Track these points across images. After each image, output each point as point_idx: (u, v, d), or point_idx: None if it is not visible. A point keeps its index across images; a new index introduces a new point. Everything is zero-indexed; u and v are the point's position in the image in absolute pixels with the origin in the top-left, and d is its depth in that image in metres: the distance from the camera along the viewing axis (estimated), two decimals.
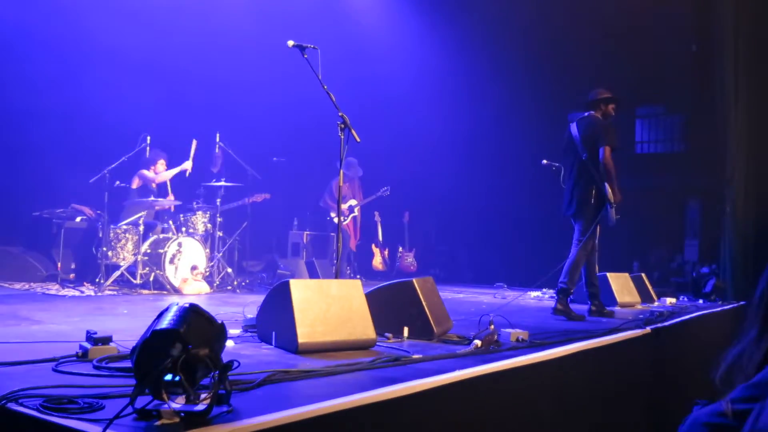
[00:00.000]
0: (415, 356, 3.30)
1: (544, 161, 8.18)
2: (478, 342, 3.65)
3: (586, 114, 6.28)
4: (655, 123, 13.93)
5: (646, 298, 7.61)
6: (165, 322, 2.00)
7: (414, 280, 4.09)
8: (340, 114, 4.36)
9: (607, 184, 5.89)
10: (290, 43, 4.55)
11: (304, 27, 8.59)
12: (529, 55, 11.50)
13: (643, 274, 8.08)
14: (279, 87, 9.48)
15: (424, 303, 4.00)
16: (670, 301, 7.79)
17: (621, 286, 7.26)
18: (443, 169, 11.88)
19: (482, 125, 11.88)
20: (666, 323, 5.34)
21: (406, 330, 3.98)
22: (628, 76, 11.39)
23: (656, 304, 7.58)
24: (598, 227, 6.16)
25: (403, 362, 3.16)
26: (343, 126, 4.37)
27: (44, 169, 8.01)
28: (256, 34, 9.07)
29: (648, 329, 4.93)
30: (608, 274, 7.16)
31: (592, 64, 11.26)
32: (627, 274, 7.63)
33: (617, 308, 6.79)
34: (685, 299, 8.31)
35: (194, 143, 8.03)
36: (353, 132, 4.33)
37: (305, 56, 4.49)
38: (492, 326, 3.92)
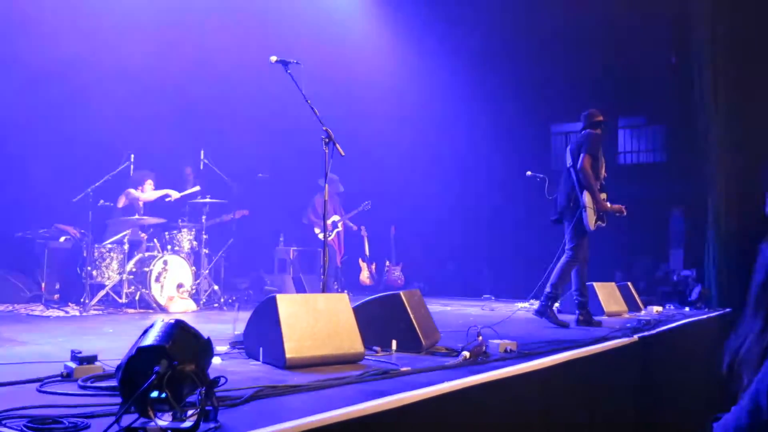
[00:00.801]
0: (404, 369, 3.29)
1: (529, 172, 8.22)
2: (466, 353, 3.65)
3: (583, 132, 6.49)
4: (637, 133, 14.06)
5: (632, 307, 7.65)
6: (150, 339, 1.98)
7: (401, 293, 4.09)
8: (324, 128, 4.37)
9: (585, 191, 6.06)
10: (273, 58, 4.56)
11: (286, 42, 8.63)
12: (512, 68, 11.61)
13: (629, 283, 8.13)
14: (263, 102, 9.48)
15: (411, 316, 4.00)
16: (656, 309, 7.84)
17: (608, 295, 7.30)
18: (429, 182, 11.92)
19: (467, 138, 11.96)
20: (653, 331, 5.37)
21: (394, 343, 3.97)
22: (610, 87, 11.52)
23: (643, 312, 7.62)
24: (586, 238, 6.24)
25: (391, 375, 3.15)
26: (327, 140, 4.38)
27: (27, 189, 7.94)
28: (239, 50, 9.09)
29: (635, 338, 4.96)
30: (595, 284, 7.20)
31: (574, 76, 11.39)
32: (613, 284, 7.68)
33: (604, 317, 6.81)
34: (672, 307, 8.37)
35: (196, 188, 8.09)
36: (338, 146, 4.34)
37: (288, 71, 4.51)
38: (480, 337, 3.92)
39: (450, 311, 7.77)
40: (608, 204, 6.27)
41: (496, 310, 7.89)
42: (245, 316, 3.88)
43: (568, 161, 6.38)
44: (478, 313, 7.55)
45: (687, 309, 8.21)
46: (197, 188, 8.15)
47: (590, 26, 10.47)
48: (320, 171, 4.43)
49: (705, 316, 7.33)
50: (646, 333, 5.19)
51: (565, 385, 3.89)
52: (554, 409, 3.73)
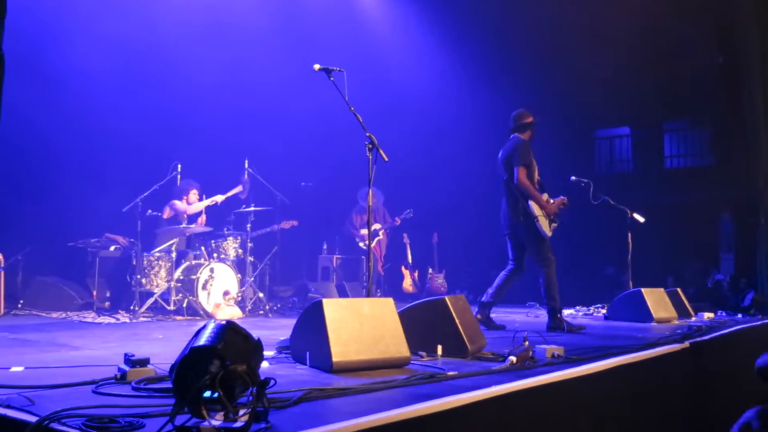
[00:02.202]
0: (450, 373, 3.28)
1: (573, 177, 8.14)
2: (513, 358, 3.61)
3: (511, 137, 6.46)
4: (683, 137, 13.79)
5: (682, 313, 7.48)
6: (203, 339, 2.02)
7: (446, 298, 4.08)
8: (367, 134, 4.39)
9: (531, 202, 6.11)
10: (316, 66, 4.61)
11: (328, 50, 8.76)
12: (556, 71, 11.48)
13: (678, 289, 7.95)
14: (306, 111, 9.60)
15: (457, 320, 3.98)
16: (707, 315, 7.64)
17: (656, 301, 7.16)
18: (471, 188, 11.86)
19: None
20: (705, 337, 5.23)
21: (439, 348, 3.96)
22: (654, 90, 11.32)
23: (693, 319, 7.44)
24: (546, 244, 6.25)
25: (438, 379, 3.14)
26: (371, 146, 4.40)
27: (78, 200, 8.19)
28: (282, 59, 9.23)
29: (687, 344, 4.84)
30: (643, 290, 7.07)
31: (619, 79, 11.22)
32: (662, 290, 7.52)
33: (653, 324, 6.68)
34: (723, 314, 8.14)
35: (238, 189, 8.19)
36: (381, 152, 4.35)
37: (331, 79, 4.55)
38: (527, 343, 3.89)
39: (494, 318, 7.69)
40: (553, 204, 6.24)
41: (541, 317, 7.79)
42: (289, 322, 3.92)
43: (501, 172, 6.37)
44: (523, 319, 7.48)
45: (740, 315, 7.99)
46: (239, 188, 8.24)
47: (634, 27, 10.31)
48: (363, 178, 4.45)
49: (759, 323, 7.12)
50: (697, 339, 5.06)
51: (615, 391, 3.82)
52: (605, 416, 3.66)
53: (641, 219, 8.03)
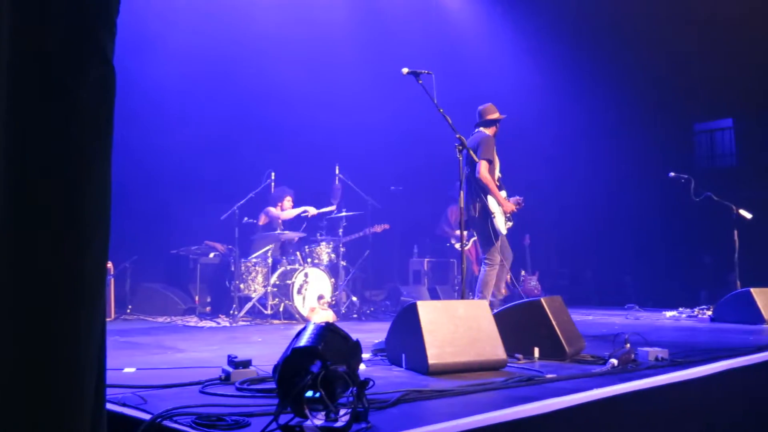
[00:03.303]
0: (549, 376, 3.22)
1: (672, 174, 7.83)
2: (614, 361, 3.50)
3: (475, 131, 6.27)
4: None
5: None
6: (304, 340, 2.06)
7: (542, 300, 4.00)
8: (457, 136, 4.38)
9: (489, 198, 5.98)
10: (404, 70, 4.63)
11: (418, 52, 8.80)
12: (649, 62, 11.04)
13: None
14: (395, 115, 9.66)
15: (553, 322, 3.90)
16: None
17: (767, 302, 6.75)
18: (563, 188, 11.60)
19: (601, 140, 11.52)
20: None
21: (536, 350, 3.89)
22: (761, 78, 10.69)
23: None
24: (500, 240, 6.09)
25: (536, 382, 3.09)
26: (460, 147, 4.38)
27: (179, 210, 8.57)
28: (369, 64, 9.35)
29: None
30: (752, 290, 6.69)
31: (719, 71, 10.67)
32: None
33: (765, 326, 6.30)
34: None
35: (332, 208, 8.36)
36: (471, 153, 4.33)
37: (420, 82, 4.56)
38: (628, 345, 3.76)
39: (592, 320, 7.50)
40: (510, 202, 6.11)
41: (642, 319, 7.52)
42: (383, 326, 3.95)
43: (464, 168, 6.09)
44: (623, 322, 7.23)
45: None
46: (332, 208, 8.41)
47: (737, 15, 9.77)
48: (452, 181, 4.45)
49: None
50: None
51: (726, 397, 3.63)
52: (715, 422, 3.48)
53: (748, 215, 7.61)
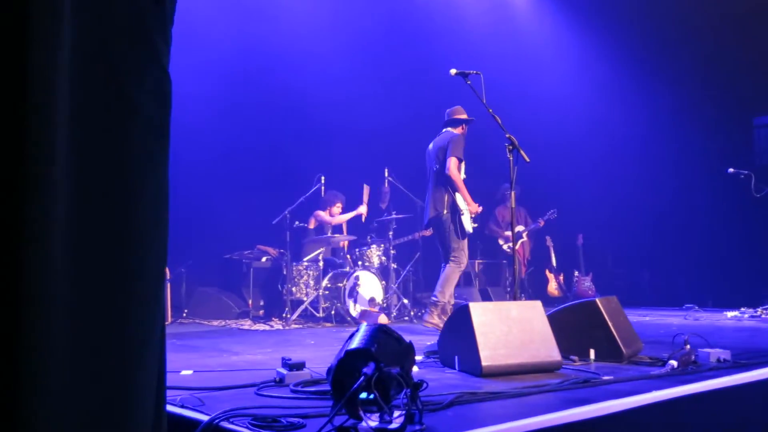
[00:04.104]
0: (606, 378, 3.15)
1: (731, 170, 7.60)
2: (674, 362, 3.41)
3: (443, 131, 6.28)
4: None
5: None
6: (356, 342, 2.07)
7: (597, 300, 3.93)
8: (507, 135, 4.34)
9: (458, 196, 5.94)
10: (453, 71, 4.63)
11: (466, 51, 8.75)
12: (707, 58, 10.72)
13: None
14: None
15: (609, 323, 3.82)
16: None
17: None
18: (617, 186, 11.35)
19: (657, 136, 11.24)
20: None
21: (592, 352, 3.81)
22: None
23: None
24: (465, 241, 6.04)
25: (593, 384, 3.03)
26: (511, 147, 4.34)
27: (231, 215, 8.71)
28: (418, 65, 9.35)
29: None
30: None
31: None
32: None
33: None
34: None
35: (366, 189, 8.37)
36: (522, 152, 4.28)
37: (468, 82, 4.54)
38: (688, 346, 3.65)
39: (649, 321, 7.32)
40: (477, 205, 6.05)
41: (702, 320, 7.31)
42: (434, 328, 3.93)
43: (433, 162, 6.18)
44: (681, 323, 7.04)
45: None
46: (359, 210, 8.42)
47: None
48: (501, 181, 4.41)
49: None
50: None
51: None
52: None
53: None
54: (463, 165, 6.12)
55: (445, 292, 6.02)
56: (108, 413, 1.41)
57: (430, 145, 6.40)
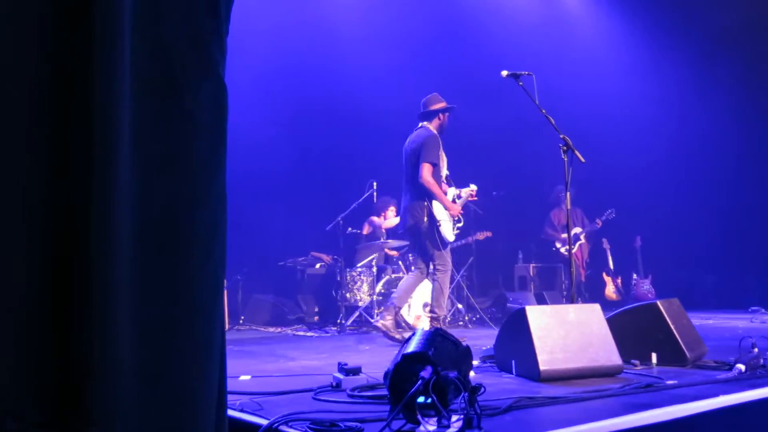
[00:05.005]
0: (669, 382, 3.07)
1: None
2: (741, 366, 3.29)
3: (419, 126, 5.75)
4: None
5: None
6: (413, 346, 2.07)
7: (658, 302, 3.82)
8: (561, 136, 4.28)
9: (434, 203, 5.50)
10: (504, 73, 4.58)
11: (518, 53, 8.67)
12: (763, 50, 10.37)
13: None
14: (493, 119, 9.56)
15: (671, 326, 3.72)
16: None
17: None
18: (676, 185, 11.05)
19: (715, 134, 10.91)
20: None
21: (654, 356, 3.72)
22: None
23: None
24: (447, 249, 5.66)
25: (656, 388, 2.95)
26: (565, 148, 4.28)
27: (286, 222, 8.83)
28: (464, 67, 9.31)
29: None
30: None
31: None
32: None
33: None
34: None
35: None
36: (577, 153, 4.21)
37: (520, 84, 4.50)
38: (756, 349, 3.52)
39: (712, 324, 7.10)
40: (458, 203, 5.67)
41: None
42: (490, 333, 3.90)
43: (407, 166, 5.69)
44: (747, 325, 6.80)
45: None
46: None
47: None
48: (555, 183, 4.35)
49: None
50: None
51: None
52: None
53: None
54: (444, 162, 5.68)
55: (442, 305, 5.71)
56: (173, 417, 1.44)
57: (407, 142, 5.85)
